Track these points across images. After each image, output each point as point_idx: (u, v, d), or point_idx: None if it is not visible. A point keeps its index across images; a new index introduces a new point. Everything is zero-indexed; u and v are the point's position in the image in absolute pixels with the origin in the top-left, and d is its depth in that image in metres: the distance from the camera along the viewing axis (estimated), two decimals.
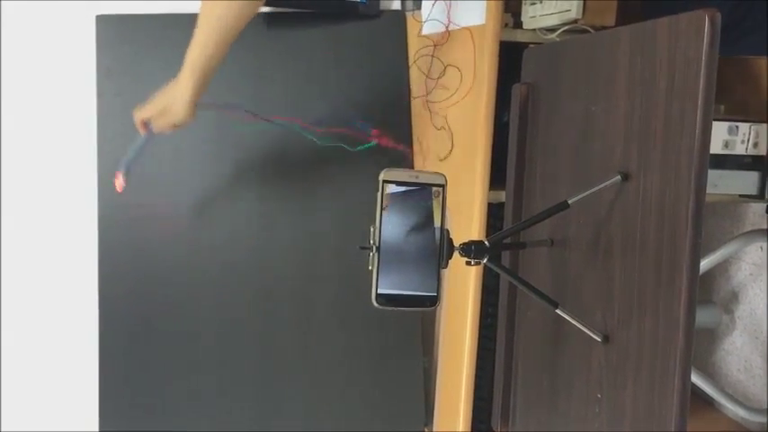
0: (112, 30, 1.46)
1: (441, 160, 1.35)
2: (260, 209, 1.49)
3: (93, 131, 1.46)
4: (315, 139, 1.36)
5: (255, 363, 1.48)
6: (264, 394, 1.48)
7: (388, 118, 1.45)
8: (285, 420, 1.49)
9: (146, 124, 1.26)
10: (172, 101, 1.18)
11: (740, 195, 1.32)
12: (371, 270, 0.80)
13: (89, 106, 1.46)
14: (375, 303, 0.80)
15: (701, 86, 0.75)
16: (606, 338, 0.88)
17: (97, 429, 1.45)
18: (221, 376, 1.48)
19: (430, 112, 1.37)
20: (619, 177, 0.85)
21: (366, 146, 1.38)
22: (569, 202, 0.87)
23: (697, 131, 0.75)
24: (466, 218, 1.24)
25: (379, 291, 0.80)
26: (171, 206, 1.48)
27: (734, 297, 1.71)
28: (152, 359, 1.46)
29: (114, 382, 1.45)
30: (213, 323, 1.48)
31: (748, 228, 1.67)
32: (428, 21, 1.36)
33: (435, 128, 1.36)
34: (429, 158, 1.40)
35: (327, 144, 1.37)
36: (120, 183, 1.28)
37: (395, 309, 0.81)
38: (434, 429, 1.43)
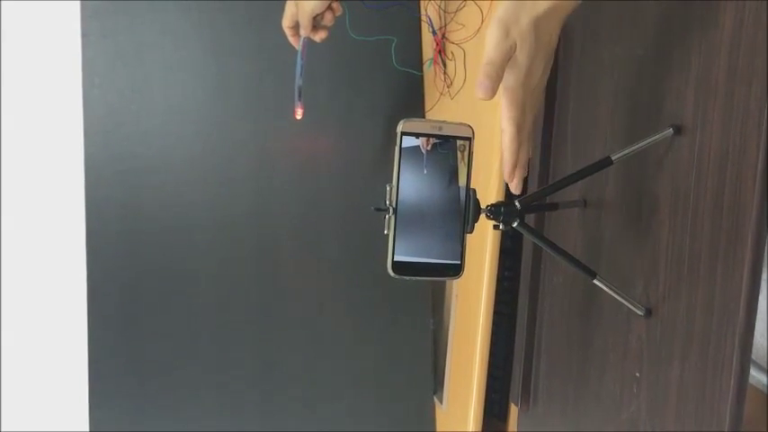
0: None
1: (452, 98, 1.26)
2: (260, 158, 1.39)
3: (77, 76, 1.34)
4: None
5: (257, 323, 1.40)
6: (265, 358, 1.40)
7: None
8: (286, 386, 1.41)
9: (295, 31, 1.18)
10: None
11: None
12: (387, 234, 0.70)
13: (73, 49, 1.34)
14: (391, 272, 0.70)
15: None
16: (649, 312, 0.78)
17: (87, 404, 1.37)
18: (220, 337, 1.39)
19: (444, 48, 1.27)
20: (670, 130, 0.75)
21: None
22: (613, 158, 0.76)
23: None
24: (483, 175, 1.13)
25: (396, 258, 0.70)
26: (163, 157, 1.37)
27: None
28: (145, 319, 1.37)
29: (103, 348, 1.36)
30: (211, 282, 1.39)
31: None
32: None
33: (448, 59, 1.26)
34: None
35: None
36: (300, 111, 1.26)
37: (413, 278, 0.71)
38: (444, 397, 1.35)
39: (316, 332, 1.41)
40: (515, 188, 0.72)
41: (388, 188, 0.70)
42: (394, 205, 0.70)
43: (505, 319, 1.24)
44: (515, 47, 0.67)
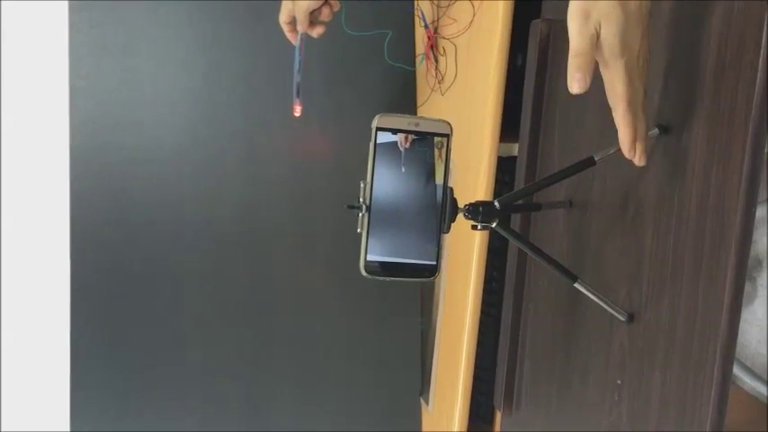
0: None
1: (443, 94, 1.24)
2: (251, 152, 1.36)
3: (65, 66, 1.32)
4: None
5: (245, 320, 1.37)
6: (252, 356, 1.38)
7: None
8: (272, 384, 1.39)
9: (293, 27, 1.15)
10: None
11: None
12: (360, 233, 0.68)
13: (60, 39, 1.32)
14: (363, 272, 0.68)
15: (765, 22, 0.61)
16: (631, 317, 0.76)
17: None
18: (207, 334, 1.36)
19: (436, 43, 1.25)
20: (656, 130, 0.73)
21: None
22: (596, 158, 0.74)
23: (758, 76, 0.61)
24: (472, 173, 1.11)
25: (369, 258, 0.68)
26: (151, 149, 1.35)
27: (757, 263, 1.59)
28: (130, 314, 1.35)
29: (87, 343, 1.33)
30: (199, 277, 1.36)
31: None
32: None
33: (440, 54, 1.25)
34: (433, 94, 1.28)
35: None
36: (298, 109, 1.22)
37: (387, 279, 0.69)
38: (430, 399, 1.33)
39: (304, 331, 1.39)
40: (639, 161, 0.69)
41: (362, 185, 0.68)
42: (367, 203, 0.68)
43: (493, 321, 1.22)
44: (600, 26, 0.64)
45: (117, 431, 1.35)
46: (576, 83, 0.65)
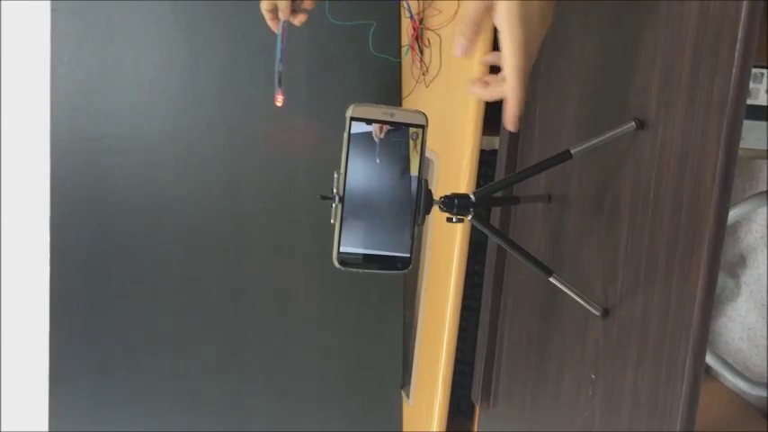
0: None
1: (427, 86, 1.23)
2: (232, 141, 1.36)
3: (46, 52, 1.31)
4: None
5: (226, 311, 1.37)
6: (233, 346, 1.38)
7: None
8: (254, 375, 1.38)
9: (274, 15, 1.13)
10: None
11: None
12: (334, 224, 0.67)
13: (42, 24, 1.31)
14: (336, 263, 0.68)
15: (742, 17, 0.61)
16: (606, 313, 0.76)
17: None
18: (187, 324, 1.36)
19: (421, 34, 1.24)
20: (633, 124, 0.72)
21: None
22: (572, 151, 0.74)
23: (734, 73, 0.61)
24: (455, 166, 1.11)
25: (342, 249, 0.68)
26: (132, 137, 1.34)
27: (741, 261, 1.59)
28: (109, 303, 1.34)
29: (65, 331, 1.33)
30: (179, 267, 1.36)
31: (762, 187, 1.54)
32: None
33: (425, 46, 1.24)
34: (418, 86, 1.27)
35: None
36: (280, 98, 1.20)
37: (360, 271, 0.68)
38: (411, 392, 1.33)
39: (287, 324, 1.39)
40: (514, 127, 0.69)
41: (335, 175, 0.67)
42: (341, 194, 0.67)
43: (475, 315, 1.22)
44: None
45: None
46: (458, 48, 0.68)
